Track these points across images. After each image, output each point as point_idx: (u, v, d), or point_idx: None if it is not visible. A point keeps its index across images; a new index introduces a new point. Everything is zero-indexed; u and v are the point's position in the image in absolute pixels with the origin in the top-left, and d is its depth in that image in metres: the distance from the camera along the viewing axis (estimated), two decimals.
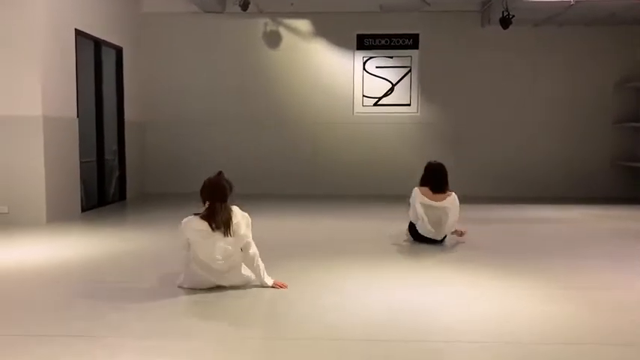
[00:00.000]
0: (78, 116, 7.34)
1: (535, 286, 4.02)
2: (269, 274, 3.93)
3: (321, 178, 9.59)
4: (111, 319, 3.27)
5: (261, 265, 3.88)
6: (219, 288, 3.82)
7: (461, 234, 5.47)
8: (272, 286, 3.86)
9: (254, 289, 3.85)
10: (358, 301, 3.65)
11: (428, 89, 9.57)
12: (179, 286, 3.85)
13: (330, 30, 9.53)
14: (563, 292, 3.88)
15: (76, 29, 7.28)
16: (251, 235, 3.88)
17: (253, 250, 3.86)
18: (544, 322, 3.26)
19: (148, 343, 2.92)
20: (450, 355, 2.82)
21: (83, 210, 7.52)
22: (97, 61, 8.05)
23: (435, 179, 5.38)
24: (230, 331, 3.12)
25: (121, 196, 8.85)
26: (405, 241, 5.53)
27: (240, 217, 3.86)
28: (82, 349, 2.85)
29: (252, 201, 8.54)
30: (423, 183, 5.43)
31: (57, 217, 6.74)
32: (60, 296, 3.78)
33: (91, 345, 2.90)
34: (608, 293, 3.87)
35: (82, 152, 7.48)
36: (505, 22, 8.25)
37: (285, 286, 3.88)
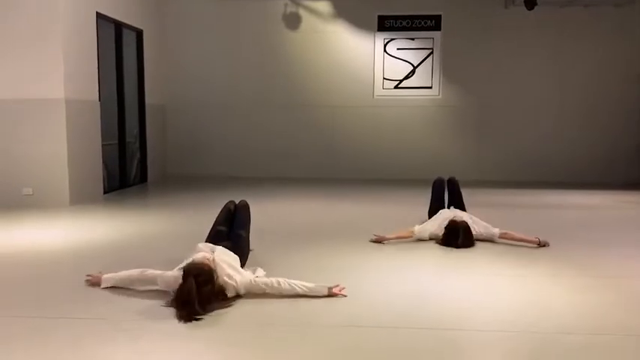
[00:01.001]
0: (100, 99, 7.39)
1: (559, 274, 3.97)
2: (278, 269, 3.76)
3: (340, 162, 9.56)
4: (132, 303, 3.30)
5: (298, 283, 3.40)
6: None
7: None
8: (330, 295, 3.39)
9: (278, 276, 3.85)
10: (376, 288, 3.64)
11: (450, 72, 9.43)
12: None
13: (350, 11, 9.41)
14: (588, 280, 3.82)
15: (97, 12, 7.29)
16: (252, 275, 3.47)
17: (274, 284, 3.39)
18: (568, 312, 3.21)
19: (169, 327, 2.95)
20: (471, 344, 2.80)
21: (105, 192, 7.61)
22: (118, 44, 8.08)
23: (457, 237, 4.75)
24: (251, 316, 3.13)
25: (142, 178, 8.93)
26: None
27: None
28: (104, 332, 2.89)
29: (270, 184, 8.60)
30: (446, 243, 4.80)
31: (80, 199, 6.83)
32: (81, 279, 3.82)
33: (112, 328, 2.94)
34: (633, 282, 3.80)
35: (104, 135, 7.54)
36: (530, 2, 8.07)
37: (342, 293, 3.44)
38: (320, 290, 3.40)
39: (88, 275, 3.69)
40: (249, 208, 4.27)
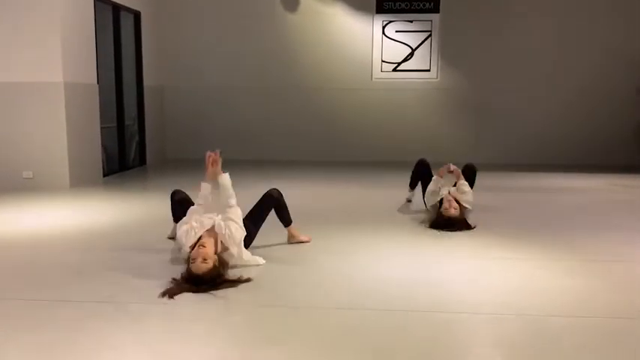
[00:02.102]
0: (98, 82, 7.40)
1: (553, 257, 4.04)
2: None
3: (339, 144, 9.60)
4: (135, 285, 3.37)
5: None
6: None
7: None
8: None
9: (274, 260, 3.93)
10: (371, 272, 3.71)
11: (448, 54, 9.42)
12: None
13: None
14: (581, 264, 3.89)
15: None
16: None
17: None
18: (559, 295, 3.29)
19: (173, 309, 3.02)
20: (464, 326, 2.88)
21: (105, 175, 7.66)
22: (116, 27, 8.06)
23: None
24: (252, 298, 3.21)
25: (141, 161, 8.97)
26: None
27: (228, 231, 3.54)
28: (107, 314, 2.96)
29: (269, 166, 8.65)
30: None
31: (80, 181, 6.88)
32: (84, 261, 3.90)
33: (115, 309, 3.01)
34: (625, 266, 3.88)
35: (102, 118, 7.56)
36: None
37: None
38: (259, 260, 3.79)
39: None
40: (272, 202, 4.11)
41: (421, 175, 5.61)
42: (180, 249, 3.64)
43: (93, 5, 7.25)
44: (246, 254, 3.69)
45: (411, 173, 5.80)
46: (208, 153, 3.73)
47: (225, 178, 3.70)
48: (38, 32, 6.51)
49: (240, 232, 3.59)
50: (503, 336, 2.77)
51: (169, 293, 3.17)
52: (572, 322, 2.91)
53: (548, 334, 2.76)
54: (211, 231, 3.51)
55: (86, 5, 7.12)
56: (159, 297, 3.15)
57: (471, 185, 5.28)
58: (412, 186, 5.83)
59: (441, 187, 5.07)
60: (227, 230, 3.51)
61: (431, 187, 5.14)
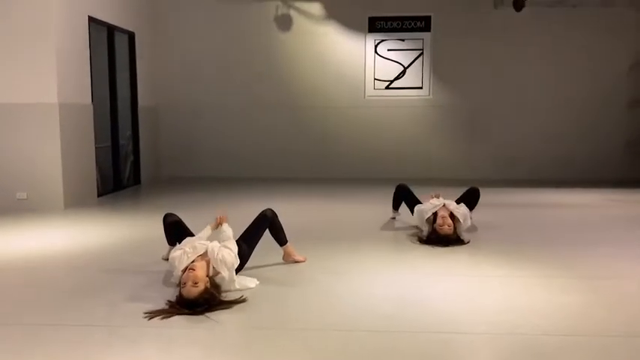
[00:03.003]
0: (92, 102, 7.43)
1: (546, 274, 4.05)
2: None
3: (331, 162, 9.64)
4: (129, 308, 3.36)
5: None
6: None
7: None
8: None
9: (270, 281, 3.93)
10: (364, 291, 3.71)
11: (440, 72, 9.52)
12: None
13: (341, 13, 9.48)
14: (575, 282, 3.90)
15: (89, 16, 7.33)
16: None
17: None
18: (553, 313, 3.30)
19: (168, 332, 3.02)
20: (459, 346, 2.89)
21: (99, 195, 7.66)
22: (111, 47, 8.11)
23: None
24: (242, 319, 3.21)
25: (136, 180, 8.97)
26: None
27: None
28: (101, 338, 2.95)
29: (262, 185, 8.66)
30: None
31: (74, 202, 6.88)
32: (78, 283, 3.89)
33: (109, 333, 3.01)
34: (618, 283, 3.90)
35: (97, 137, 7.58)
36: (518, 4, 8.17)
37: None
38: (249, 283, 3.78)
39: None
40: (266, 222, 4.12)
41: (403, 197, 5.70)
42: (173, 273, 3.65)
43: (87, 26, 7.31)
44: (238, 281, 3.65)
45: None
46: (218, 215, 4.00)
47: (229, 228, 3.92)
48: (33, 53, 6.54)
49: (233, 258, 3.59)
50: (495, 356, 2.78)
51: (162, 315, 3.17)
52: (566, 341, 2.92)
53: (540, 353, 2.77)
54: (204, 255, 3.53)
55: (81, 26, 7.18)
56: (148, 319, 3.14)
57: (472, 207, 5.32)
58: (395, 208, 5.91)
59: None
60: (219, 254, 3.52)
61: (423, 206, 5.15)
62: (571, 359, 2.73)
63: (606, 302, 3.51)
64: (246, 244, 3.95)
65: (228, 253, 3.57)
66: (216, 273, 3.52)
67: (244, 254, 3.86)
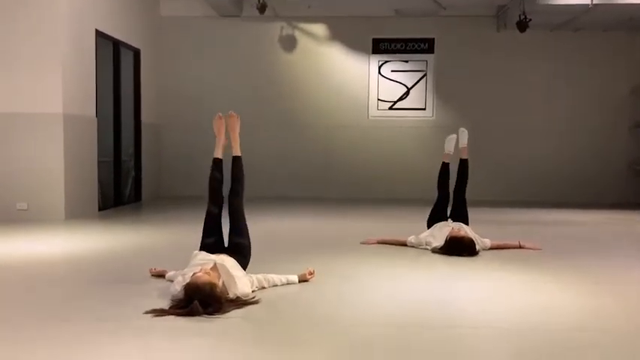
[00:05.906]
0: (97, 115, 7.40)
1: (564, 280, 4.01)
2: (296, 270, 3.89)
3: (335, 182, 9.59)
4: (141, 305, 3.26)
5: (275, 278, 3.70)
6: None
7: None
8: (302, 280, 3.79)
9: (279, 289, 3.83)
10: (382, 294, 3.64)
11: (443, 93, 9.57)
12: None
13: (345, 34, 9.58)
14: (593, 287, 3.86)
15: (96, 30, 7.37)
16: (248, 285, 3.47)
17: (262, 283, 3.62)
18: (573, 312, 3.25)
19: (177, 324, 2.91)
20: (475, 341, 2.80)
21: (100, 209, 7.56)
22: (116, 62, 8.13)
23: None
24: (256, 314, 3.10)
25: (137, 197, 8.88)
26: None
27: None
28: (110, 331, 2.84)
29: (265, 203, 8.57)
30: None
31: (75, 214, 6.78)
32: (78, 293, 3.78)
33: (119, 326, 2.90)
34: (628, 288, 3.86)
35: (100, 152, 7.53)
36: (522, 25, 8.26)
37: (311, 275, 3.86)
38: (293, 279, 3.78)
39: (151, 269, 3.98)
40: (242, 208, 3.97)
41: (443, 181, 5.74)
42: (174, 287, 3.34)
43: (94, 39, 7.34)
44: (243, 286, 3.41)
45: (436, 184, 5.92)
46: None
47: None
48: (39, 63, 6.54)
49: (248, 289, 3.41)
50: (516, 349, 2.69)
51: (162, 314, 3.04)
52: (585, 336, 2.85)
53: (559, 347, 2.69)
54: (214, 269, 3.29)
55: (88, 39, 7.20)
56: (152, 316, 3.01)
57: (465, 179, 5.71)
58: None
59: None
60: (229, 276, 3.31)
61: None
62: (588, 353, 2.64)
63: (623, 304, 3.46)
64: (245, 237, 3.85)
65: (245, 283, 3.44)
66: (225, 288, 3.30)
67: (249, 250, 3.83)
